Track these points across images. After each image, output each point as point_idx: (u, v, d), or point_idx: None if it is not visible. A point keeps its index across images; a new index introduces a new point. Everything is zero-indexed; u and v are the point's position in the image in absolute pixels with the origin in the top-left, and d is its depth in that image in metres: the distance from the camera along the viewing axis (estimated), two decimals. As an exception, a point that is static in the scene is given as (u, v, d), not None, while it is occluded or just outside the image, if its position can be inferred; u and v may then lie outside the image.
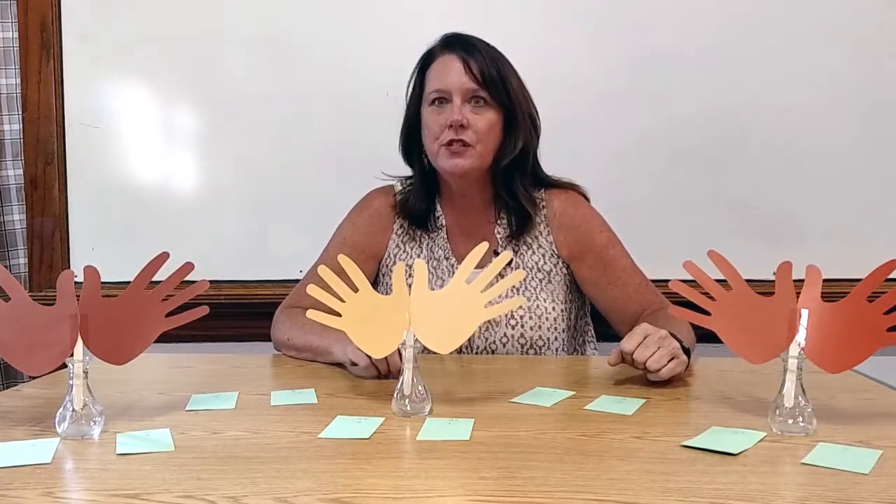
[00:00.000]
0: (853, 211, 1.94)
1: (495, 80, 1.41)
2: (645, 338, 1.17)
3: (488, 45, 1.45)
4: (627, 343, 1.17)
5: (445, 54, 1.43)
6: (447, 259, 1.49)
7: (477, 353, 1.44)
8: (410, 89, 1.49)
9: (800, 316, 0.96)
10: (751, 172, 1.94)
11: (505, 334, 1.43)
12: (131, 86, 2.00)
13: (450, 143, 1.40)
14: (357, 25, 1.96)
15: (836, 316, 0.96)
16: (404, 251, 1.52)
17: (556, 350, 1.46)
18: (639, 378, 1.19)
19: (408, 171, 1.55)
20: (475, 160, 1.42)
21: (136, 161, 2.01)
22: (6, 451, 0.91)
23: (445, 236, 1.51)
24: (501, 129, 1.44)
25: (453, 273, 1.45)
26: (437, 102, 1.42)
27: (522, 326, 1.43)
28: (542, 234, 1.50)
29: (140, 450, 0.91)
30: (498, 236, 1.49)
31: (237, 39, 1.97)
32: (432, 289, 1.07)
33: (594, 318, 1.60)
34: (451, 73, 1.41)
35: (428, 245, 1.51)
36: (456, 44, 1.44)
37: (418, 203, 1.50)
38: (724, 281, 1.04)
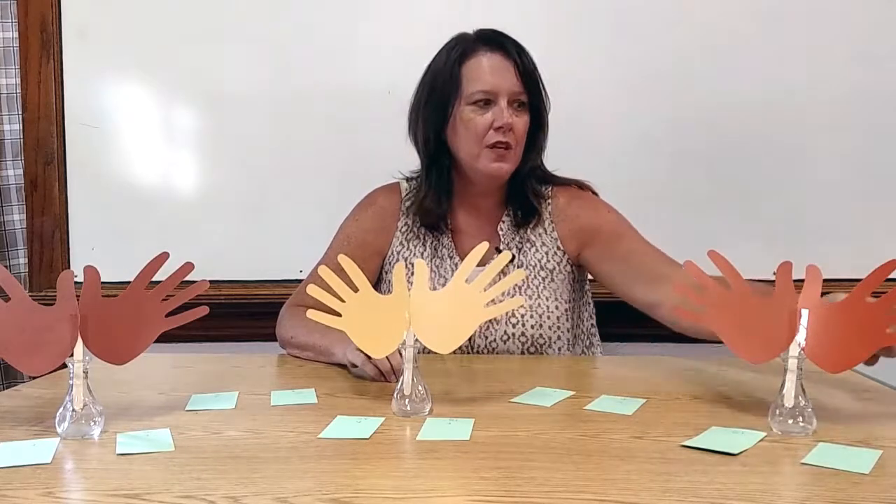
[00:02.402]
0: (853, 211, 1.94)
1: (537, 83, 1.42)
2: None
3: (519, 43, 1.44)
4: None
5: (488, 52, 1.41)
6: (451, 258, 1.49)
7: (477, 351, 1.44)
8: (440, 83, 1.42)
9: (800, 316, 0.96)
10: (751, 172, 1.94)
11: (505, 332, 1.43)
12: (131, 85, 2.00)
13: (494, 145, 1.39)
14: (358, 24, 1.96)
15: (836, 316, 0.96)
16: (408, 249, 1.51)
17: (559, 350, 1.45)
18: (639, 378, 1.19)
19: (410, 168, 1.54)
20: (514, 163, 1.43)
21: (136, 161, 2.01)
22: (6, 451, 0.91)
23: (451, 235, 1.51)
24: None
25: (457, 272, 1.46)
26: (480, 103, 1.40)
27: (523, 325, 1.43)
28: (546, 231, 1.49)
29: (140, 450, 0.91)
30: (500, 233, 1.49)
31: (237, 39, 1.97)
32: (435, 288, 1.07)
33: (596, 320, 1.60)
34: (502, 74, 1.39)
35: (432, 243, 1.51)
36: (498, 42, 1.41)
37: (436, 206, 1.47)
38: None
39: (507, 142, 1.39)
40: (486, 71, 1.40)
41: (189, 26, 1.97)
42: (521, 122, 1.41)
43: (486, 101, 1.39)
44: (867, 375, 1.21)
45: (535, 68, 1.43)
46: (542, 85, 1.44)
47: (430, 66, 1.47)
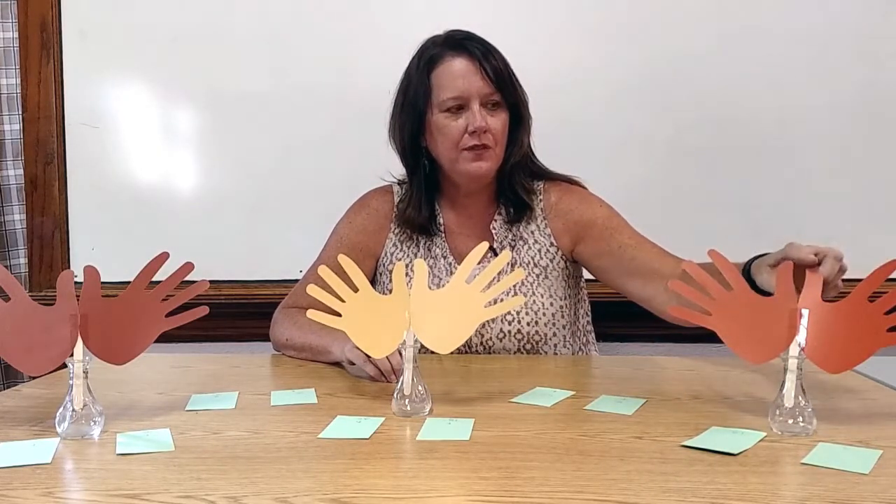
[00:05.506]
0: (853, 211, 1.94)
1: (507, 81, 1.41)
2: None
3: (487, 41, 1.44)
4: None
5: (455, 57, 1.40)
6: (445, 258, 1.49)
7: (474, 350, 1.44)
8: (412, 92, 1.44)
9: (800, 316, 0.96)
10: (751, 172, 1.94)
11: (501, 330, 1.43)
12: (131, 85, 2.00)
13: (471, 147, 1.39)
14: (358, 25, 1.96)
15: (836, 316, 0.96)
16: (401, 251, 1.51)
17: (555, 346, 1.46)
18: (639, 378, 1.19)
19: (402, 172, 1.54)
20: (494, 162, 1.43)
21: (136, 161, 2.01)
22: (6, 451, 0.91)
23: (444, 235, 1.51)
24: (509, 127, 1.44)
25: (451, 272, 1.45)
26: (453, 109, 1.40)
27: (519, 322, 1.43)
28: (539, 228, 1.49)
29: (140, 450, 0.91)
30: (493, 231, 1.49)
31: (237, 39, 1.97)
32: (430, 288, 1.07)
33: (594, 319, 1.60)
34: (469, 78, 1.39)
35: (426, 244, 1.51)
36: (464, 45, 1.41)
37: (418, 215, 1.48)
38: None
39: (484, 143, 1.39)
40: (454, 77, 1.40)
41: (189, 27, 1.97)
42: (498, 121, 1.41)
43: (459, 107, 1.40)
44: (867, 375, 1.21)
45: (506, 65, 1.42)
46: (515, 79, 1.43)
47: (405, 73, 1.47)
